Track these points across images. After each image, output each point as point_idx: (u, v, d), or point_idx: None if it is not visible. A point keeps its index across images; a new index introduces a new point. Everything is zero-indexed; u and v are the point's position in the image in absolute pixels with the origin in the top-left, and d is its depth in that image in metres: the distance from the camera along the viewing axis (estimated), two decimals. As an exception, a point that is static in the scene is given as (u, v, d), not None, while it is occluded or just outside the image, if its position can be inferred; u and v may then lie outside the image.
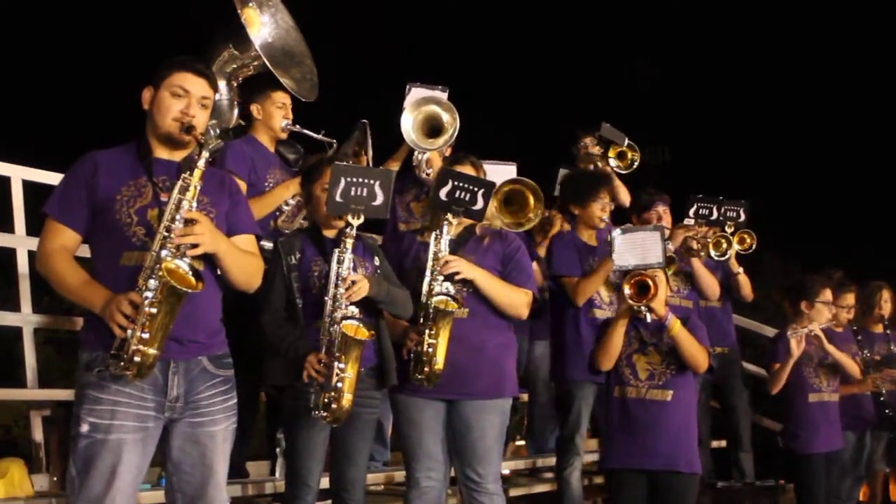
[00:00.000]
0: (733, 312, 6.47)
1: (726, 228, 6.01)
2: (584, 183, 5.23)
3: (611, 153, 6.22)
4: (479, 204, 3.95)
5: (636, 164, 6.26)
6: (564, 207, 5.38)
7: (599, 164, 6.23)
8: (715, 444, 6.65)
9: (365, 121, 4.76)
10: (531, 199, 5.18)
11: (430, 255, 3.92)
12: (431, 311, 3.81)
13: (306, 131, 4.77)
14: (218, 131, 4.60)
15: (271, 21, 4.94)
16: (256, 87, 4.81)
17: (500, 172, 5.20)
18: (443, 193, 3.93)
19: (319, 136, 4.77)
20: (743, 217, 6.03)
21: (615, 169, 6.27)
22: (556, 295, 5.12)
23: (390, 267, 3.99)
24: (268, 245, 4.04)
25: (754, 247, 6.08)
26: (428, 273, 3.90)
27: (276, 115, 4.73)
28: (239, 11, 4.69)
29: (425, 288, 3.87)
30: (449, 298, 3.83)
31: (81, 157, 3.19)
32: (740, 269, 6.10)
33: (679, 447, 4.26)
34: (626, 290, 4.17)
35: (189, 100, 3.17)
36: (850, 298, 6.07)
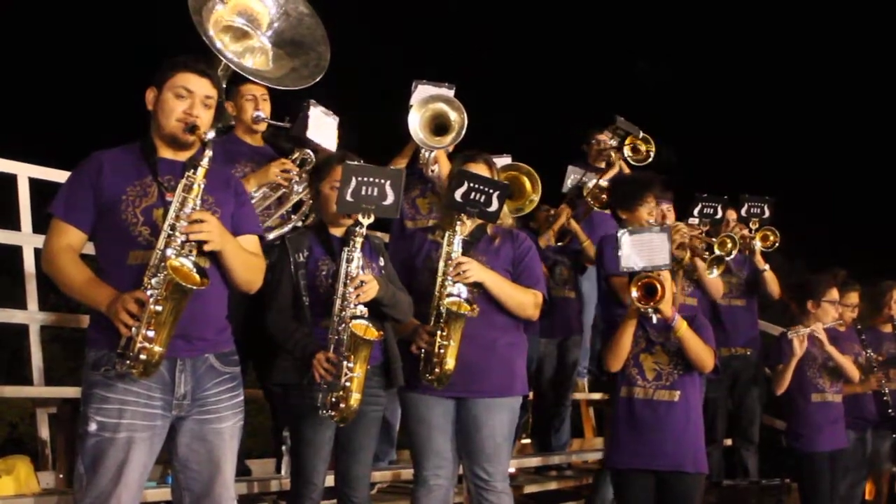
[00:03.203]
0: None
1: (751, 225, 6.00)
2: (630, 187, 5.20)
3: (626, 145, 6.20)
4: (494, 206, 3.93)
5: (651, 155, 6.24)
6: (612, 212, 5.37)
7: (612, 158, 6.22)
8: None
9: (311, 100, 4.70)
10: (528, 184, 5.26)
11: (443, 255, 3.91)
12: (443, 312, 3.80)
13: (274, 122, 4.76)
14: (215, 131, 4.62)
15: (282, 10, 4.92)
16: (230, 84, 4.81)
17: (498, 166, 5.23)
18: (458, 194, 3.91)
19: (284, 124, 4.76)
20: (767, 213, 6.01)
21: (630, 161, 6.25)
22: (606, 295, 5.11)
23: (394, 268, 3.99)
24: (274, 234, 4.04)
25: (777, 244, 6.05)
26: (440, 273, 3.88)
27: (246, 107, 4.74)
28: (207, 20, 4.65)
29: (437, 288, 3.86)
30: (461, 301, 3.81)
31: (87, 158, 3.19)
32: (766, 266, 6.07)
33: (685, 447, 4.25)
34: (634, 293, 4.14)
35: (192, 100, 3.17)
36: (853, 297, 6.05)
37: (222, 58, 4.59)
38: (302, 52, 4.94)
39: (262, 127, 4.78)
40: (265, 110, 4.73)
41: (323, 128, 4.66)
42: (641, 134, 6.23)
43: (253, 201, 4.46)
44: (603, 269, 5.05)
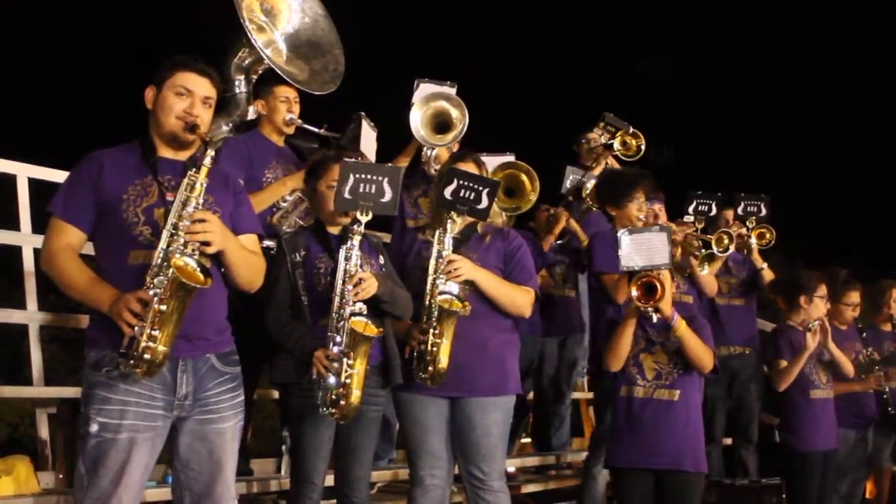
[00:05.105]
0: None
1: (748, 223, 6.01)
2: (619, 183, 5.18)
3: (616, 140, 6.21)
4: (484, 203, 3.94)
5: (642, 150, 6.24)
6: (601, 208, 5.36)
7: (602, 158, 6.22)
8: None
9: (361, 112, 4.73)
10: (526, 182, 5.26)
11: (434, 254, 3.90)
12: (435, 310, 3.80)
13: (308, 126, 4.76)
14: (231, 126, 4.62)
15: (300, 9, 4.92)
16: (261, 83, 4.81)
17: (498, 164, 5.25)
18: (448, 192, 3.91)
19: (321, 131, 4.76)
20: (764, 212, 6.03)
21: (620, 156, 6.25)
22: (596, 292, 5.10)
23: (392, 266, 3.99)
24: (269, 243, 4.04)
25: (773, 241, 6.07)
26: (431, 272, 3.88)
27: (279, 109, 4.72)
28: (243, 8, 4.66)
29: (429, 287, 3.86)
30: (453, 298, 3.81)
31: (86, 157, 3.18)
32: (764, 265, 6.08)
33: (685, 446, 4.25)
34: (634, 292, 4.14)
35: (192, 99, 3.17)
36: (854, 296, 6.05)
37: (265, 57, 4.59)
38: (319, 55, 4.94)
39: (292, 129, 4.78)
40: (296, 113, 4.74)
41: (367, 140, 4.70)
42: (631, 129, 6.24)
43: (285, 204, 4.47)
44: (593, 267, 5.05)
